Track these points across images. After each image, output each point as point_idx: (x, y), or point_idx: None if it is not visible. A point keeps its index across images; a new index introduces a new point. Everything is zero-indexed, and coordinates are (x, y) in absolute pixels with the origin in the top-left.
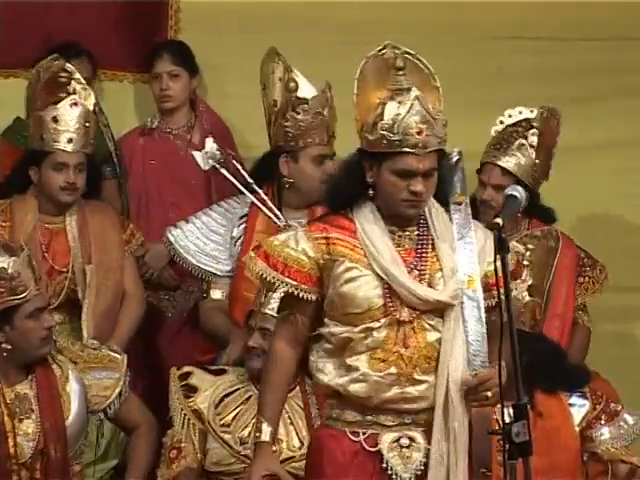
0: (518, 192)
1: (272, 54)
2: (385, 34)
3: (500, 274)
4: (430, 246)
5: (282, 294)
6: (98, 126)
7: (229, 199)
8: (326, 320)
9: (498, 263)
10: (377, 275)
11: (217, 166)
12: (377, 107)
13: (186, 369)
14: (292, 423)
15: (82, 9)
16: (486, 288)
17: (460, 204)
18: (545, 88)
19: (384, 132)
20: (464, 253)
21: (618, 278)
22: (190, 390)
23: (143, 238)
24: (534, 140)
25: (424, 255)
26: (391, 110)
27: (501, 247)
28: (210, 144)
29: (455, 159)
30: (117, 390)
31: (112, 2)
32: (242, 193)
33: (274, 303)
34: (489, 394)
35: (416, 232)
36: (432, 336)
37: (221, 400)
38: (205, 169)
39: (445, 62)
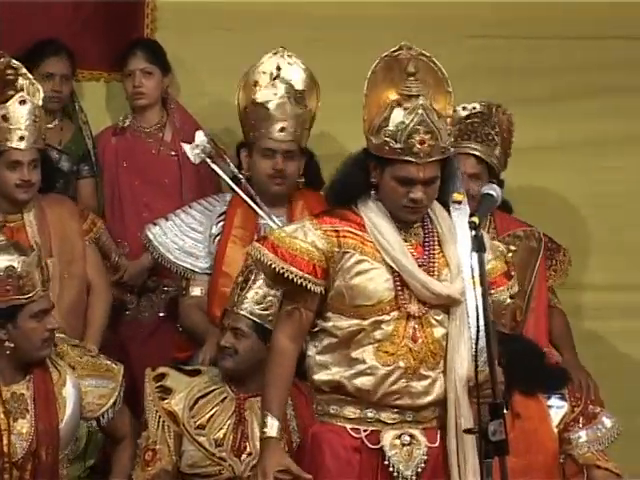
0: (494, 191)
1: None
2: (358, 31)
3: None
4: (436, 242)
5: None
6: (78, 124)
7: (208, 197)
8: (329, 314)
9: (474, 261)
10: (388, 268)
11: (207, 160)
12: (384, 111)
13: (161, 370)
14: None
15: (58, 9)
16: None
17: (459, 203)
18: (518, 86)
19: (387, 138)
20: (465, 251)
21: (587, 276)
22: (165, 392)
23: (104, 226)
24: (497, 129)
25: (432, 251)
26: (396, 117)
27: (478, 245)
28: (201, 137)
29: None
30: (112, 400)
31: (88, 2)
32: (232, 189)
33: (246, 303)
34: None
35: (421, 228)
36: (439, 332)
37: (196, 402)
38: (196, 163)
39: None
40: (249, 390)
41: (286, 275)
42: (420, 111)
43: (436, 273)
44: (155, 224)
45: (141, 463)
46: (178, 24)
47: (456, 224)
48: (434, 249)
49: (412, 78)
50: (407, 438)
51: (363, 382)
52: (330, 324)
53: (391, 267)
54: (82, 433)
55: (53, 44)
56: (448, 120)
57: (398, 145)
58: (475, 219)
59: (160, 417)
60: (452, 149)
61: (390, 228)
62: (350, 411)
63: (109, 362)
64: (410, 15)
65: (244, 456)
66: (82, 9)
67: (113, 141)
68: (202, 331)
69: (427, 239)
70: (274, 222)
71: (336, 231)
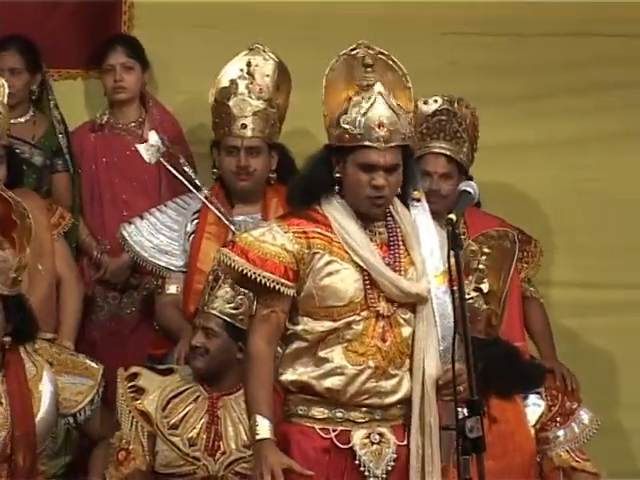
0: (472, 188)
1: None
2: (339, 30)
3: (454, 271)
4: (400, 241)
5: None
6: (51, 122)
7: (183, 195)
8: (299, 317)
9: (452, 260)
10: (357, 268)
11: (162, 160)
12: (344, 103)
13: (133, 370)
14: (241, 422)
15: (35, 7)
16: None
17: (418, 200)
18: (498, 84)
19: (347, 126)
20: (428, 249)
21: (567, 274)
22: (138, 391)
23: (73, 219)
24: (463, 125)
25: (396, 250)
26: (355, 104)
27: (455, 243)
28: (154, 137)
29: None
30: (89, 397)
31: (64, 2)
32: (188, 190)
33: (217, 302)
34: (461, 388)
35: (384, 228)
36: (406, 331)
37: (169, 401)
38: (151, 162)
39: (399, 57)
40: (222, 389)
41: (258, 280)
42: (378, 97)
43: (402, 272)
44: (130, 223)
45: (115, 463)
46: (155, 22)
47: (417, 222)
48: (399, 249)
49: (369, 69)
50: (377, 437)
51: (333, 382)
52: (300, 327)
53: (360, 267)
54: (60, 430)
55: (7, 39)
56: (410, 115)
57: (357, 130)
58: (452, 216)
59: (133, 417)
60: (413, 138)
61: (356, 227)
62: (318, 411)
63: (88, 361)
64: (390, 14)
65: (218, 455)
66: (59, 8)
67: (92, 138)
68: (177, 329)
69: (391, 239)
70: (231, 222)
71: (304, 232)
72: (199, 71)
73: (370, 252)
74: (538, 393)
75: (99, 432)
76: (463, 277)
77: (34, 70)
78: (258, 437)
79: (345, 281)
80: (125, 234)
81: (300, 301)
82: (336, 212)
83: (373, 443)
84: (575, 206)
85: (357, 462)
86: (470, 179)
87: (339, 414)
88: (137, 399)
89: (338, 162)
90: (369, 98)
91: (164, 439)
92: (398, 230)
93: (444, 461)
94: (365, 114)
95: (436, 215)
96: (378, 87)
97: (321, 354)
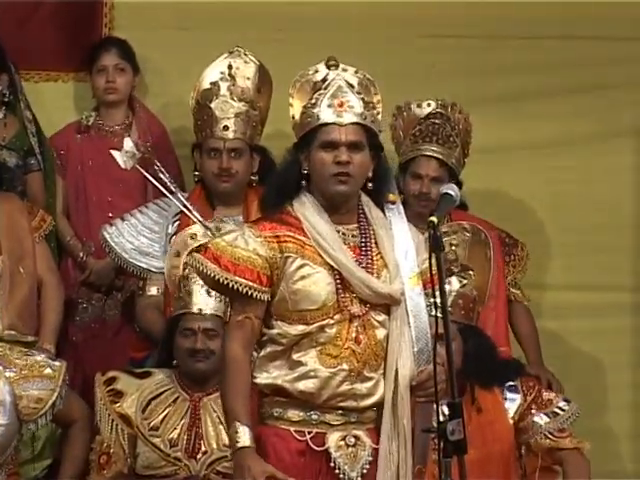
0: (453, 190)
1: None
2: (319, 31)
3: (435, 272)
4: (373, 243)
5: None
6: (22, 122)
7: (164, 197)
8: (273, 322)
9: (433, 261)
10: (329, 270)
11: (137, 166)
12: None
13: (111, 374)
14: (221, 422)
15: (15, 10)
16: (423, 286)
17: (394, 203)
18: (479, 86)
19: (309, 109)
20: (402, 251)
21: (548, 276)
22: (116, 395)
23: (54, 222)
24: (456, 130)
25: (369, 252)
26: (316, 89)
27: (436, 245)
28: (128, 143)
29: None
30: (50, 402)
31: (45, 2)
32: (163, 194)
33: (198, 300)
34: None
35: (357, 229)
36: (381, 333)
37: (148, 403)
38: (128, 168)
39: (380, 60)
40: (204, 389)
41: (231, 285)
42: (337, 77)
43: (375, 274)
44: (111, 224)
45: (96, 467)
46: (136, 24)
47: (391, 225)
48: (372, 251)
49: (332, 67)
50: (352, 439)
51: (307, 385)
52: (274, 331)
53: (332, 269)
54: (40, 433)
55: None
56: (378, 109)
57: (317, 110)
58: (434, 218)
59: (113, 420)
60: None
61: (327, 227)
62: (294, 414)
63: (49, 360)
64: (370, 15)
65: (199, 455)
66: (39, 10)
67: (77, 139)
68: (158, 331)
69: (364, 240)
70: (207, 228)
71: (277, 236)
72: (180, 73)
73: (342, 252)
74: (514, 386)
75: (69, 417)
76: (444, 279)
77: (1, 71)
78: (239, 445)
79: (317, 284)
80: (106, 235)
81: (274, 305)
82: (307, 212)
83: (348, 446)
84: (556, 208)
85: (332, 465)
86: (459, 185)
87: (314, 416)
88: (116, 402)
89: (305, 156)
90: (330, 83)
91: (145, 440)
92: (371, 232)
93: (419, 463)
94: (326, 94)
95: (423, 217)
96: (338, 70)
97: (295, 357)
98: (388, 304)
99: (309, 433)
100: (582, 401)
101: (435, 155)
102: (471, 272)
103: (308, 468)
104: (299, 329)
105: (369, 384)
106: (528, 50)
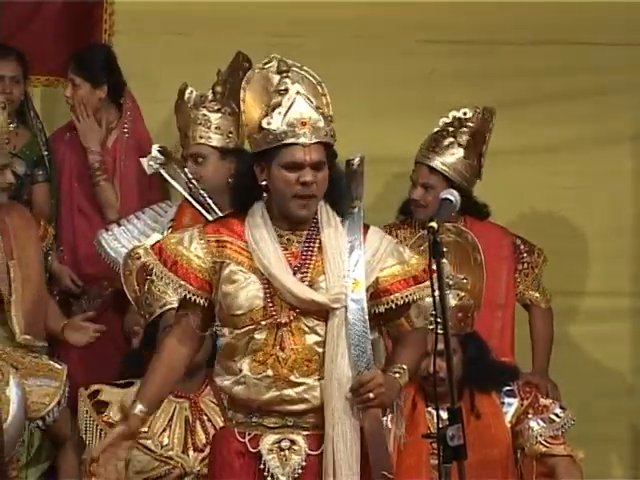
0: (453, 196)
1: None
2: (317, 35)
3: (435, 278)
4: (317, 250)
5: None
6: (33, 132)
7: (161, 203)
8: (220, 327)
9: (434, 267)
10: (260, 277)
11: (162, 171)
12: (264, 108)
13: (94, 387)
14: (210, 420)
15: (15, 14)
16: (378, 294)
17: (354, 208)
18: (477, 91)
19: (269, 127)
20: (352, 258)
21: (547, 282)
22: (101, 406)
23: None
24: (464, 139)
25: (309, 259)
26: (275, 106)
27: (436, 251)
28: (154, 149)
29: (357, 164)
30: (56, 399)
31: (45, 7)
32: (186, 200)
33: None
34: (371, 395)
35: (305, 236)
36: (311, 339)
37: None
38: (149, 173)
39: (378, 65)
40: (190, 391)
41: (164, 279)
42: (297, 97)
43: (310, 281)
44: (107, 230)
45: (87, 476)
46: (136, 29)
47: (345, 232)
48: (311, 257)
49: (285, 74)
50: (287, 443)
51: (237, 391)
52: (221, 336)
53: (263, 275)
54: (34, 439)
55: (5, 48)
56: (330, 119)
57: (281, 129)
58: (434, 224)
59: (101, 430)
60: (359, 155)
61: (269, 237)
62: (239, 416)
63: (52, 362)
64: (368, 20)
65: (191, 451)
66: (39, 16)
67: (67, 137)
68: None
69: (307, 247)
70: None
71: (217, 241)
72: (179, 78)
73: (276, 260)
74: (511, 391)
75: (62, 435)
76: (445, 285)
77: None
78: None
79: (245, 289)
80: (102, 241)
81: (217, 311)
82: (252, 222)
83: (282, 449)
84: (554, 212)
85: (262, 466)
86: (468, 193)
87: (254, 419)
88: (102, 412)
89: (262, 169)
90: (289, 98)
91: (135, 444)
92: (317, 238)
93: (382, 468)
94: (287, 113)
95: (422, 223)
96: (296, 87)
97: (233, 363)
98: (325, 310)
99: (248, 435)
100: (580, 406)
101: (426, 162)
102: (465, 280)
103: (244, 469)
104: (232, 334)
105: (299, 389)
106: (527, 55)
